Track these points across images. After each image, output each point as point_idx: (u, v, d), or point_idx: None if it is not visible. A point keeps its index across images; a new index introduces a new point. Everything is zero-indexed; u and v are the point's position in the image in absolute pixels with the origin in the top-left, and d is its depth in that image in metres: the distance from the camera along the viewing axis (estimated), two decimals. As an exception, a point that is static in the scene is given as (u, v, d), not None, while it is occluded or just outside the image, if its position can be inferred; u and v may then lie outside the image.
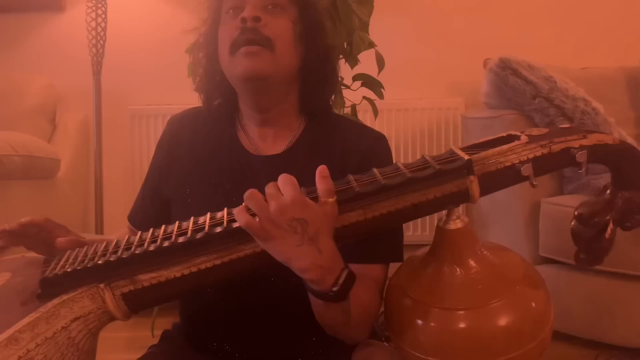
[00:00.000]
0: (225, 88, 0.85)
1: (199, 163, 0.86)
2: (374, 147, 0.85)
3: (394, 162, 0.73)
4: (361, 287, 0.69)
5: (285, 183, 0.60)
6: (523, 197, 1.63)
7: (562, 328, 1.58)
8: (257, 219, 0.59)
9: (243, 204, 0.61)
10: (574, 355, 1.55)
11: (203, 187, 0.84)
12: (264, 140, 0.86)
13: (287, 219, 0.58)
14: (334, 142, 0.85)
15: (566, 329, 1.57)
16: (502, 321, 0.62)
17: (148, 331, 1.61)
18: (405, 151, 2.25)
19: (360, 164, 0.80)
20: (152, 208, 0.90)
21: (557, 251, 1.56)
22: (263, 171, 0.82)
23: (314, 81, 0.85)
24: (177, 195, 0.86)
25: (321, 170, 0.61)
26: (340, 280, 0.61)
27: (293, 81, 0.84)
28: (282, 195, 0.59)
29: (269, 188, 0.60)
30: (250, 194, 0.59)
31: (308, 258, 0.59)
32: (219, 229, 0.62)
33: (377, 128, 2.37)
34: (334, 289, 0.61)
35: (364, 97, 1.65)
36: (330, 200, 0.60)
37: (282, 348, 0.80)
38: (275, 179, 0.74)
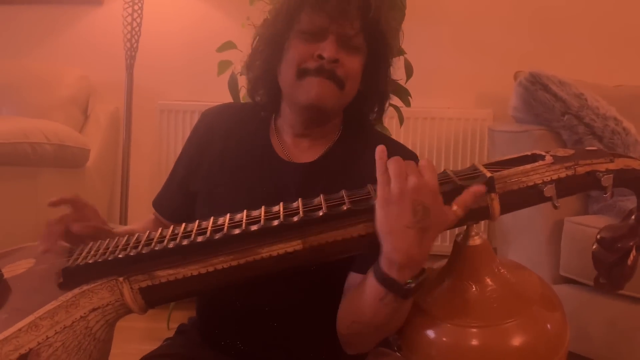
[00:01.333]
0: (273, 90, 0.86)
1: (229, 161, 0.87)
2: None
3: None
4: None
5: (427, 168, 0.59)
6: (546, 214, 1.61)
7: (579, 350, 1.54)
8: (391, 185, 0.58)
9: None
10: (591, 379, 1.52)
11: (230, 185, 0.85)
12: (298, 147, 0.86)
13: (416, 199, 0.57)
14: (366, 155, 0.83)
15: (583, 352, 1.54)
16: (516, 341, 0.61)
17: (164, 323, 1.64)
18: (429, 160, 2.23)
19: None
20: (177, 197, 0.91)
21: (578, 272, 1.52)
22: (292, 178, 0.83)
23: (366, 101, 0.86)
24: (204, 189, 0.87)
25: (478, 189, 0.60)
26: (420, 279, 0.60)
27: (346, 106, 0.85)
28: (423, 177, 0.58)
29: (410, 166, 0.59)
30: (395, 160, 0.59)
31: (407, 242, 0.58)
32: (237, 231, 0.63)
33: (402, 135, 2.39)
34: (409, 283, 0.60)
35: (391, 104, 1.64)
36: (460, 212, 0.59)
37: (294, 349, 0.81)
38: (303, 187, 0.75)
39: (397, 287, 0.60)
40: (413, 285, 0.60)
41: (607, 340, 1.50)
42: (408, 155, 0.87)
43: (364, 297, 0.64)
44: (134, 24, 2.07)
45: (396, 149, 0.88)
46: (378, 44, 0.82)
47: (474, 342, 0.61)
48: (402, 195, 0.58)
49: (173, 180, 0.93)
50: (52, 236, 0.74)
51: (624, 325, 1.47)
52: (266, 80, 0.86)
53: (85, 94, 2.25)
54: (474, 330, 0.61)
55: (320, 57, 0.77)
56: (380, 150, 0.61)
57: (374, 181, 0.72)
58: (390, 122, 1.95)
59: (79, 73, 2.23)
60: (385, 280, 0.60)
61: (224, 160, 0.87)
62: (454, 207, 0.59)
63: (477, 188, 0.59)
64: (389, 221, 0.58)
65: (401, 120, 1.68)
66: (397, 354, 0.79)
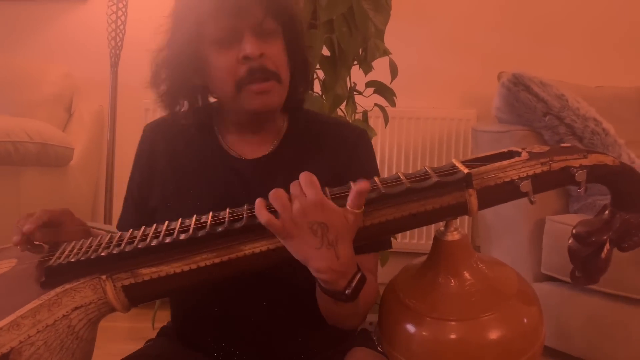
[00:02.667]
0: (200, 100, 0.85)
1: (182, 172, 0.85)
2: (359, 142, 0.86)
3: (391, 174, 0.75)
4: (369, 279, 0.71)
5: (307, 184, 0.60)
6: (528, 213, 1.63)
7: (559, 346, 1.57)
8: (279, 218, 0.60)
9: (257, 200, 0.61)
10: (570, 373, 1.54)
11: (191, 195, 0.84)
12: (248, 143, 0.85)
13: (308, 221, 0.59)
14: (319, 140, 0.85)
15: (563, 348, 1.56)
16: (493, 334, 0.62)
17: (148, 323, 1.63)
18: (414, 160, 2.25)
19: (349, 160, 0.82)
20: (137, 217, 0.89)
21: (559, 269, 1.55)
22: (251, 174, 0.82)
23: (297, 84, 0.85)
24: (161, 204, 0.86)
25: (362, 186, 0.60)
26: (353, 284, 0.63)
27: None
28: (305, 196, 0.59)
29: (294, 187, 0.61)
30: (275, 193, 0.60)
31: (325, 262, 0.60)
32: (220, 228, 0.64)
33: (387, 135, 2.41)
34: (347, 291, 0.63)
35: (376, 104, 1.66)
36: (358, 211, 0.61)
37: (275, 347, 0.81)
38: (265, 182, 0.75)
39: (339, 295, 0.64)
40: (350, 290, 0.63)
41: (586, 336, 1.53)
42: (357, 132, 0.88)
43: (324, 301, 0.69)
44: (119, 22, 2.05)
45: (347, 129, 0.89)
46: (287, 19, 0.81)
47: (452, 335, 0.62)
48: (295, 224, 0.59)
49: (130, 201, 0.91)
50: (22, 232, 0.72)
51: (602, 322, 1.50)
52: (184, 97, 0.84)
53: (69, 92, 2.23)
54: (452, 323, 0.63)
55: (246, 58, 0.76)
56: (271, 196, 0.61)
57: (332, 165, 0.73)
58: (375, 122, 1.96)
59: (63, 71, 2.21)
60: (327, 292, 0.64)
61: (177, 172, 0.86)
62: (350, 209, 0.60)
63: (360, 186, 0.60)
64: (299, 250, 0.61)
65: (386, 120, 1.69)
66: (376, 349, 0.80)
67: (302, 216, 0.59)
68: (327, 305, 0.69)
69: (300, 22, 0.85)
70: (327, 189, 0.64)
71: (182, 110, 0.86)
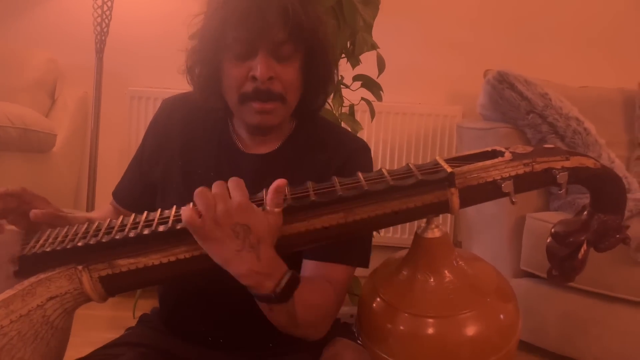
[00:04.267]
0: (223, 99, 0.85)
1: (188, 152, 0.87)
2: (357, 155, 0.86)
3: (375, 169, 0.75)
4: (310, 289, 0.71)
5: (235, 187, 0.60)
6: (509, 210, 1.65)
7: (536, 341, 1.60)
8: (201, 219, 0.59)
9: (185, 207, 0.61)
10: (545, 369, 1.57)
11: (189, 177, 0.85)
12: (255, 140, 0.87)
13: (232, 223, 0.59)
14: (320, 146, 0.86)
15: (540, 343, 1.59)
16: (470, 331, 0.63)
17: (129, 311, 1.62)
18: (399, 155, 2.26)
19: (341, 167, 0.82)
20: (137, 188, 0.90)
21: (538, 266, 1.57)
22: (250, 169, 0.83)
23: (314, 96, 0.86)
24: (163, 182, 0.87)
25: (279, 185, 0.61)
26: (282, 285, 0.62)
27: None
28: (230, 198, 0.59)
29: (217, 187, 0.60)
30: (200, 192, 0.60)
31: (246, 264, 0.60)
32: (200, 221, 0.63)
33: (373, 130, 2.41)
34: (276, 291, 0.61)
35: (363, 98, 1.66)
36: (277, 210, 0.61)
37: (256, 336, 0.82)
38: (262, 177, 0.74)
39: (269, 299, 0.62)
40: (279, 292, 0.61)
41: (562, 332, 1.56)
42: (359, 145, 0.88)
43: (261, 307, 0.66)
44: (105, 7, 2.01)
45: (349, 140, 0.89)
46: (309, 44, 0.81)
47: (430, 331, 0.63)
48: (217, 225, 0.59)
49: (134, 170, 0.92)
50: None
51: (577, 317, 1.53)
52: (211, 90, 0.85)
53: (53, 77, 2.19)
54: (431, 320, 0.63)
55: (254, 78, 0.77)
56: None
57: (326, 171, 0.72)
58: (362, 116, 1.96)
59: (46, 55, 2.17)
60: (257, 297, 0.63)
61: (184, 152, 0.87)
62: (269, 208, 0.61)
63: (277, 182, 0.61)
64: (219, 253, 0.60)
65: (372, 114, 1.69)
66: (356, 342, 0.80)
67: (226, 217, 0.58)
68: (265, 311, 0.67)
69: (327, 46, 0.84)
70: (309, 183, 0.63)
71: (205, 95, 0.86)
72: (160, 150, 0.88)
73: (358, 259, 0.81)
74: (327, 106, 1.58)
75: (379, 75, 1.61)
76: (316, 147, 0.86)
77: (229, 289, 0.79)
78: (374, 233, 1.77)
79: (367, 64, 1.61)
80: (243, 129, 0.87)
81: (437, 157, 0.65)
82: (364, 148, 0.89)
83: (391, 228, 2.23)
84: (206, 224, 0.59)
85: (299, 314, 0.67)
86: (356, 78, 1.61)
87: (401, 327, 0.64)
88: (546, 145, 0.66)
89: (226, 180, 0.80)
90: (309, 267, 0.78)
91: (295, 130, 0.88)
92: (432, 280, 0.66)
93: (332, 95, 1.56)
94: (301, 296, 0.65)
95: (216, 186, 0.61)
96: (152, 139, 0.90)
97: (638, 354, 1.47)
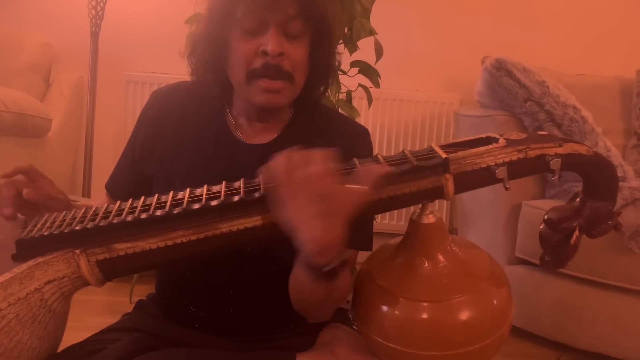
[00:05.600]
0: (223, 83, 0.84)
1: (185, 143, 0.86)
2: (358, 141, 0.86)
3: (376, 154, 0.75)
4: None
5: (318, 156, 0.59)
6: (505, 197, 1.66)
7: (529, 327, 1.62)
8: (290, 176, 0.58)
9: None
10: (538, 354, 1.59)
11: (186, 168, 0.84)
12: (252, 129, 0.86)
13: (314, 188, 0.57)
14: (320, 134, 0.85)
15: (533, 329, 1.62)
16: (463, 316, 0.64)
17: (126, 297, 1.63)
18: (397, 142, 2.26)
19: (346, 154, 0.80)
20: (131, 180, 0.89)
21: (532, 253, 1.59)
22: (248, 159, 0.83)
23: (315, 84, 0.86)
24: (160, 174, 0.86)
25: (387, 171, 0.60)
26: (340, 259, 0.61)
27: None
28: (323, 166, 0.58)
29: (303, 158, 0.59)
30: (284, 156, 0.59)
31: (317, 231, 0.58)
32: (196, 206, 0.63)
33: (370, 116, 2.41)
34: (330, 266, 0.61)
35: (360, 85, 1.65)
36: (364, 188, 0.60)
37: (253, 319, 0.82)
38: (259, 168, 0.75)
39: (320, 272, 0.62)
40: (334, 267, 0.61)
41: (555, 318, 1.58)
42: (358, 131, 0.88)
43: (300, 278, 0.66)
44: (100, -9, 2.00)
45: (349, 126, 0.89)
46: (319, 24, 0.80)
47: (424, 315, 0.64)
48: (298, 188, 0.58)
49: (126, 163, 0.91)
50: (4, 201, 0.72)
51: (571, 305, 1.55)
52: (212, 73, 0.84)
53: (47, 61, 2.17)
54: (425, 304, 0.64)
55: (265, 53, 0.76)
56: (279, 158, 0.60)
57: None
58: (359, 103, 1.96)
59: (41, 39, 2.15)
60: (308, 266, 0.62)
61: (179, 143, 0.86)
62: (361, 188, 0.60)
63: (385, 170, 0.60)
64: (294, 216, 0.59)
65: (370, 100, 1.69)
66: (352, 327, 0.81)
67: (308, 182, 0.57)
68: (302, 286, 0.67)
69: (334, 29, 0.84)
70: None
71: (204, 80, 0.86)
72: (154, 142, 0.87)
73: (364, 243, 0.82)
74: (324, 92, 1.58)
75: (376, 61, 1.61)
76: (317, 135, 0.85)
77: (225, 274, 0.80)
78: (370, 219, 1.80)
79: (365, 50, 1.60)
80: (243, 116, 0.86)
81: (433, 144, 0.66)
82: (365, 133, 0.88)
83: (387, 214, 2.25)
84: (295, 181, 0.58)
85: (335, 293, 0.68)
86: (354, 64, 1.61)
87: (396, 312, 0.65)
88: (540, 132, 0.67)
89: (226, 172, 0.81)
90: None
91: (293, 119, 0.87)
92: (426, 265, 0.66)
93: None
94: (341, 278, 0.65)
95: (302, 156, 0.59)
96: (145, 131, 0.89)
97: (629, 339, 1.50)
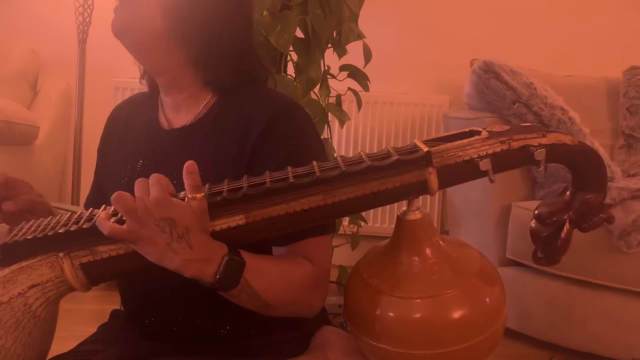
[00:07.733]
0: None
1: (123, 145, 0.87)
2: (279, 116, 0.76)
3: (305, 132, 0.76)
4: (281, 266, 0.70)
5: (153, 183, 0.59)
6: (495, 199, 1.66)
7: (521, 328, 1.62)
8: (125, 224, 0.59)
9: (108, 209, 0.62)
10: (530, 355, 1.59)
11: (122, 168, 0.84)
12: (177, 112, 0.83)
13: (155, 219, 0.58)
14: (241, 112, 0.79)
15: (525, 330, 1.62)
16: (455, 312, 0.62)
17: (116, 305, 1.60)
18: (387, 145, 2.26)
19: (262, 134, 0.75)
20: (103, 198, 0.87)
21: (523, 254, 1.59)
22: (170, 145, 0.81)
23: (216, 55, 0.80)
24: (106, 179, 0.89)
25: (187, 166, 0.60)
26: (221, 268, 0.61)
27: (164, 41, 0.81)
28: (148, 195, 0.59)
29: (137, 186, 0.60)
30: (118, 196, 0.59)
31: (179, 255, 0.59)
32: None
33: (360, 119, 2.41)
34: (217, 277, 0.61)
35: (349, 88, 1.65)
36: (198, 196, 0.60)
37: (237, 325, 0.78)
38: (181, 153, 0.75)
39: (217, 286, 0.62)
40: (219, 276, 0.61)
41: (547, 319, 1.58)
42: (282, 105, 0.78)
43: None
44: (87, -3, 1.99)
45: (271, 101, 0.80)
46: None
47: (416, 313, 0.62)
48: (142, 225, 0.59)
49: (95, 181, 0.94)
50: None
51: (563, 305, 1.55)
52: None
53: (35, 68, 2.16)
54: (416, 301, 0.63)
55: None
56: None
57: (244, 138, 0.74)
58: (349, 106, 1.96)
59: (28, 46, 2.14)
60: (208, 287, 0.62)
61: (121, 148, 0.87)
62: (189, 196, 0.60)
63: (187, 165, 0.60)
64: (151, 251, 0.60)
65: (359, 104, 1.69)
66: (344, 330, 0.80)
67: (147, 215, 0.58)
68: (232, 300, 0.66)
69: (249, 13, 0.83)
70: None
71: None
72: (106, 151, 0.91)
73: (323, 227, 0.75)
74: (313, 96, 1.58)
75: (365, 65, 1.61)
76: (235, 117, 0.78)
77: (182, 279, 0.76)
78: (362, 223, 1.79)
79: (354, 53, 1.60)
80: (162, 100, 0.86)
81: (416, 140, 0.65)
82: (292, 107, 0.78)
83: (379, 217, 2.24)
84: (131, 226, 0.59)
85: (269, 294, 0.66)
86: (343, 68, 1.61)
87: (387, 311, 0.64)
88: (524, 124, 0.66)
89: (153, 162, 0.80)
90: (278, 254, 0.75)
91: (215, 102, 0.82)
92: (415, 261, 0.65)
93: (318, 86, 1.55)
94: (269, 276, 0.65)
95: (137, 185, 0.60)
96: (101, 146, 0.92)
97: (620, 339, 1.50)
